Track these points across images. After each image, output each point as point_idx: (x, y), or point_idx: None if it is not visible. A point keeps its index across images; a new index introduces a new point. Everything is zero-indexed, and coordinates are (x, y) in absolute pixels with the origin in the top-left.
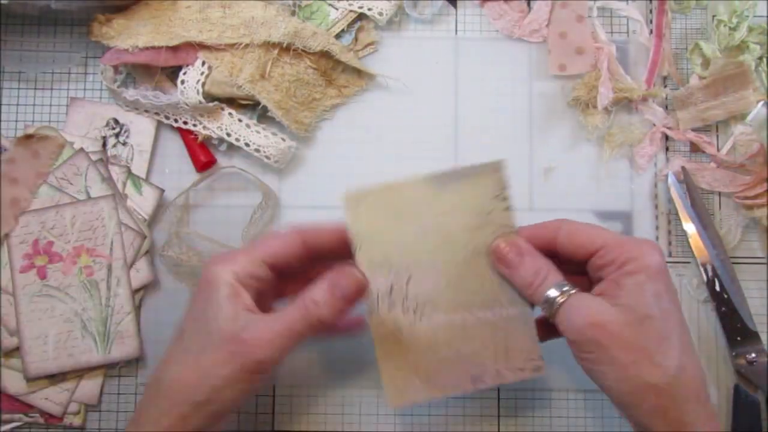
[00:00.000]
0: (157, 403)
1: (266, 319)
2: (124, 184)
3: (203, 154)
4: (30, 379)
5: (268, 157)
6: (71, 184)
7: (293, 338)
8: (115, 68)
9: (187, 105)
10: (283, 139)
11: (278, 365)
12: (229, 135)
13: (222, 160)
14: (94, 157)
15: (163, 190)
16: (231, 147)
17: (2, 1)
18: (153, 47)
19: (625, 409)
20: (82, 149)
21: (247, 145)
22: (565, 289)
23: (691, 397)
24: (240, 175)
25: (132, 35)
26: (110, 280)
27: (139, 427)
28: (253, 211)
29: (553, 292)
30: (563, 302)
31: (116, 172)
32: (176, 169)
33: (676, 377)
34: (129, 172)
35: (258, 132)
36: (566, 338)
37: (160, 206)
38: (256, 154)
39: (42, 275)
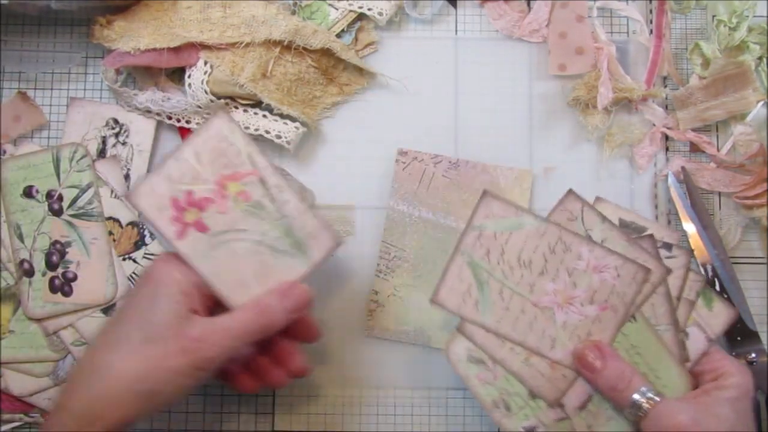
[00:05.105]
0: (91, 384)
1: (217, 320)
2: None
3: None
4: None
5: (288, 142)
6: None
7: (243, 339)
8: (116, 69)
9: (200, 107)
10: (297, 128)
11: (222, 364)
12: (247, 128)
13: None
14: None
15: None
16: None
17: (2, 1)
18: (155, 49)
19: None
20: None
21: (267, 132)
22: (649, 395)
23: None
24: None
25: (133, 37)
26: (270, 191)
27: (69, 410)
28: None
29: (638, 397)
30: (651, 408)
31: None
32: None
33: None
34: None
35: (276, 120)
36: None
37: None
38: (277, 140)
39: (202, 228)
